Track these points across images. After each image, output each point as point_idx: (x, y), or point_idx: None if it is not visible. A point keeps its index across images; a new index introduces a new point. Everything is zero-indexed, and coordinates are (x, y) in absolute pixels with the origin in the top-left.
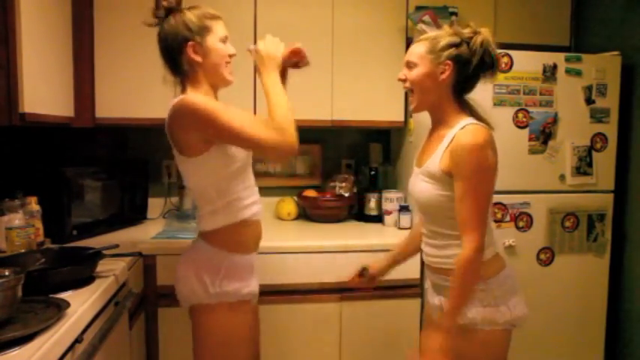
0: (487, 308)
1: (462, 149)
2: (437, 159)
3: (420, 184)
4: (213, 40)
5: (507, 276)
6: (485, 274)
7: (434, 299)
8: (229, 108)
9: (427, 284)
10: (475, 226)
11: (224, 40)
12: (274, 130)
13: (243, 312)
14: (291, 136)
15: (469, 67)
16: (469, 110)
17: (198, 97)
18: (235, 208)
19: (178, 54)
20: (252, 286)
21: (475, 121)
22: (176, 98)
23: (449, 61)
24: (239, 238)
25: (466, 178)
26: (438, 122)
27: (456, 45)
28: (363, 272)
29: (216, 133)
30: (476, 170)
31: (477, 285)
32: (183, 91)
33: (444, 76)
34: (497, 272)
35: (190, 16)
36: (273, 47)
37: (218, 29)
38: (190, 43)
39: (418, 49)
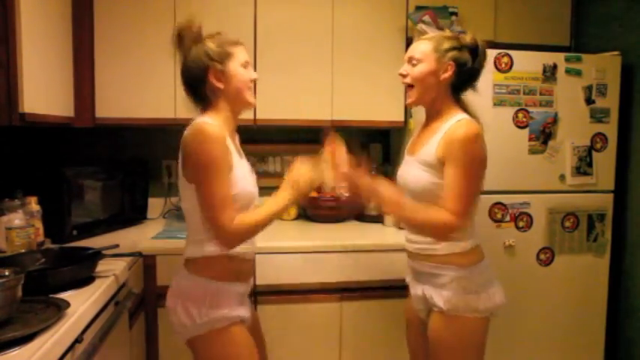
0: (469, 295)
1: (457, 139)
2: (432, 148)
3: (415, 171)
4: (234, 66)
5: (487, 266)
6: (467, 262)
7: (417, 290)
8: (224, 174)
9: (408, 278)
10: (460, 209)
11: (245, 65)
12: (232, 229)
13: (237, 333)
14: (235, 242)
15: (466, 70)
16: (463, 107)
17: (214, 136)
18: None
19: (201, 83)
20: (239, 312)
21: (468, 117)
22: (200, 118)
23: (452, 62)
24: (225, 268)
25: (459, 166)
26: (433, 116)
27: (459, 48)
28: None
29: (195, 181)
30: (470, 159)
31: (460, 272)
32: (205, 110)
33: (445, 75)
34: (478, 261)
35: (210, 45)
36: (302, 181)
37: (239, 55)
38: (212, 70)
39: (423, 46)
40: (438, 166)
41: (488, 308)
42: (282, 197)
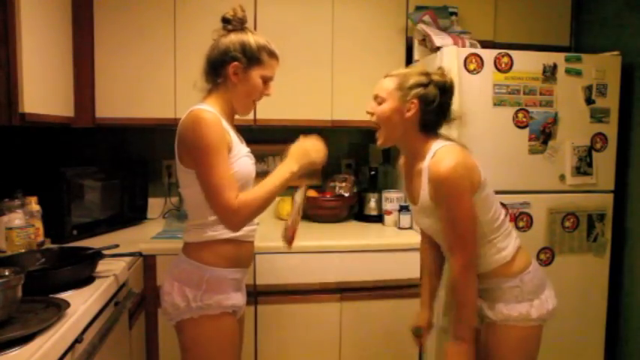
0: (522, 304)
1: (437, 179)
2: (426, 195)
3: (425, 222)
4: (256, 73)
5: (536, 269)
6: (515, 270)
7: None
8: (223, 155)
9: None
10: (460, 247)
11: (266, 80)
12: (236, 207)
13: (227, 324)
14: (241, 222)
15: (434, 108)
16: (435, 135)
17: (210, 119)
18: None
19: (220, 67)
20: (234, 299)
21: (444, 142)
22: (196, 106)
23: (415, 100)
24: (224, 254)
25: (445, 205)
26: (411, 155)
27: (424, 85)
28: (417, 333)
29: (195, 165)
30: (451, 196)
31: (510, 282)
32: (206, 97)
33: (409, 114)
34: (526, 267)
35: (250, 41)
36: (314, 152)
37: (267, 68)
38: (236, 63)
39: (387, 84)
40: (437, 208)
41: (542, 315)
42: (285, 168)
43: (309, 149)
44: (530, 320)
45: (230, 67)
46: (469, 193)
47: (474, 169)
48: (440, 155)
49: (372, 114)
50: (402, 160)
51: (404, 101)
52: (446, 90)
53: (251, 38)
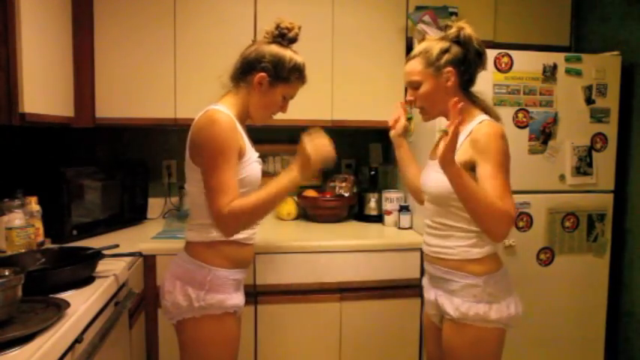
0: (480, 304)
1: (486, 138)
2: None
3: (435, 175)
4: (279, 90)
5: (503, 275)
6: (481, 270)
7: (430, 294)
8: (230, 160)
9: (424, 281)
10: (509, 197)
11: (287, 98)
12: (225, 213)
13: (228, 324)
14: (230, 229)
15: (466, 63)
16: (480, 105)
17: (225, 122)
18: None
19: (249, 71)
20: (236, 300)
21: (489, 118)
22: (213, 106)
23: (449, 67)
24: (228, 254)
25: (495, 161)
26: None
27: (447, 49)
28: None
29: (201, 164)
30: (502, 154)
31: (472, 280)
32: (224, 97)
33: (450, 84)
34: (494, 270)
35: (287, 59)
36: (318, 154)
37: (292, 88)
38: (264, 74)
39: (415, 66)
40: (478, 163)
41: (501, 319)
42: (287, 176)
43: (315, 151)
44: (489, 322)
45: (257, 76)
46: (509, 160)
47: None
48: (487, 123)
49: (412, 102)
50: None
51: (439, 74)
52: (466, 41)
53: (288, 56)
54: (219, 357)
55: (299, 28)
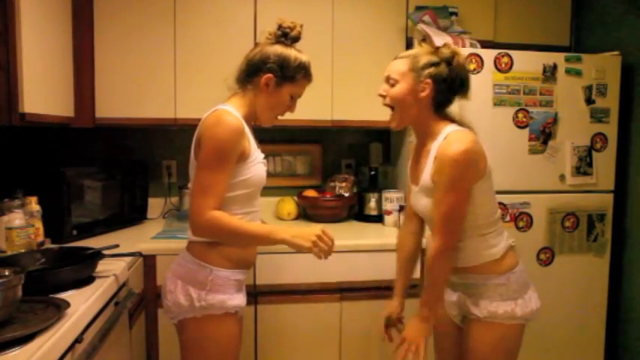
0: (507, 302)
1: (443, 160)
2: (428, 174)
3: (423, 202)
4: (286, 90)
5: (522, 270)
6: (502, 268)
7: (451, 296)
8: (226, 163)
9: None
10: (446, 231)
11: (294, 97)
12: (206, 217)
13: (229, 324)
14: (201, 232)
15: (447, 86)
16: (450, 118)
17: (232, 125)
18: None
19: (255, 73)
20: (237, 300)
21: (457, 127)
22: (221, 106)
23: (429, 80)
24: (230, 255)
25: (443, 187)
26: (423, 135)
27: (436, 64)
28: (386, 322)
29: (198, 162)
30: (452, 179)
31: (496, 280)
32: (231, 98)
33: (424, 94)
34: (513, 267)
35: (291, 58)
36: (315, 241)
37: (299, 87)
38: (270, 75)
39: (399, 66)
40: (435, 188)
41: (526, 314)
42: (274, 230)
43: (314, 237)
44: (515, 318)
45: (264, 77)
46: (471, 181)
47: (482, 156)
48: (452, 138)
49: (384, 96)
50: (414, 140)
51: (417, 82)
52: (455, 65)
53: (293, 56)
54: (220, 357)
55: (301, 26)
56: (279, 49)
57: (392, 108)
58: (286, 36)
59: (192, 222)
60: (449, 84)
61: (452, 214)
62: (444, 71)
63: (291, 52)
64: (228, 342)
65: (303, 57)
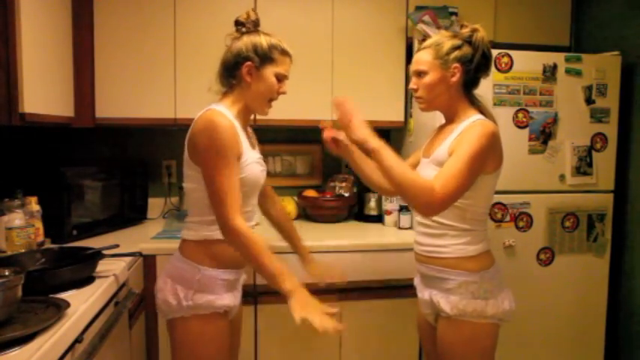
0: (477, 300)
1: (469, 133)
2: (445, 148)
3: (429, 172)
4: (269, 72)
5: (497, 271)
6: (476, 267)
7: (424, 294)
8: (232, 163)
9: (416, 281)
10: (454, 182)
11: (281, 78)
12: (236, 227)
13: (216, 324)
14: (230, 238)
15: (473, 65)
16: (478, 106)
17: (224, 126)
18: None
19: (234, 68)
20: (226, 300)
21: (484, 118)
22: (212, 106)
23: (457, 64)
24: (217, 254)
25: (465, 151)
26: (450, 118)
27: (459, 47)
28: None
29: (203, 167)
30: (477, 149)
31: (469, 277)
32: (222, 99)
33: (454, 79)
34: (488, 266)
35: (262, 41)
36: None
37: (281, 65)
38: (248, 63)
39: (424, 56)
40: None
41: (497, 314)
42: (285, 279)
43: (318, 314)
44: (485, 317)
45: (243, 67)
46: (483, 164)
47: (501, 150)
48: (481, 122)
49: (416, 89)
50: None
51: (446, 68)
52: (477, 43)
53: (262, 39)
54: (208, 357)
55: (254, 11)
56: (246, 39)
57: (422, 97)
58: (244, 25)
59: (223, 230)
60: (475, 63)
61: (457, 177)
62: (468, 52)
63: (259, 37)
64: (216, 342)
65: (272, 38)
